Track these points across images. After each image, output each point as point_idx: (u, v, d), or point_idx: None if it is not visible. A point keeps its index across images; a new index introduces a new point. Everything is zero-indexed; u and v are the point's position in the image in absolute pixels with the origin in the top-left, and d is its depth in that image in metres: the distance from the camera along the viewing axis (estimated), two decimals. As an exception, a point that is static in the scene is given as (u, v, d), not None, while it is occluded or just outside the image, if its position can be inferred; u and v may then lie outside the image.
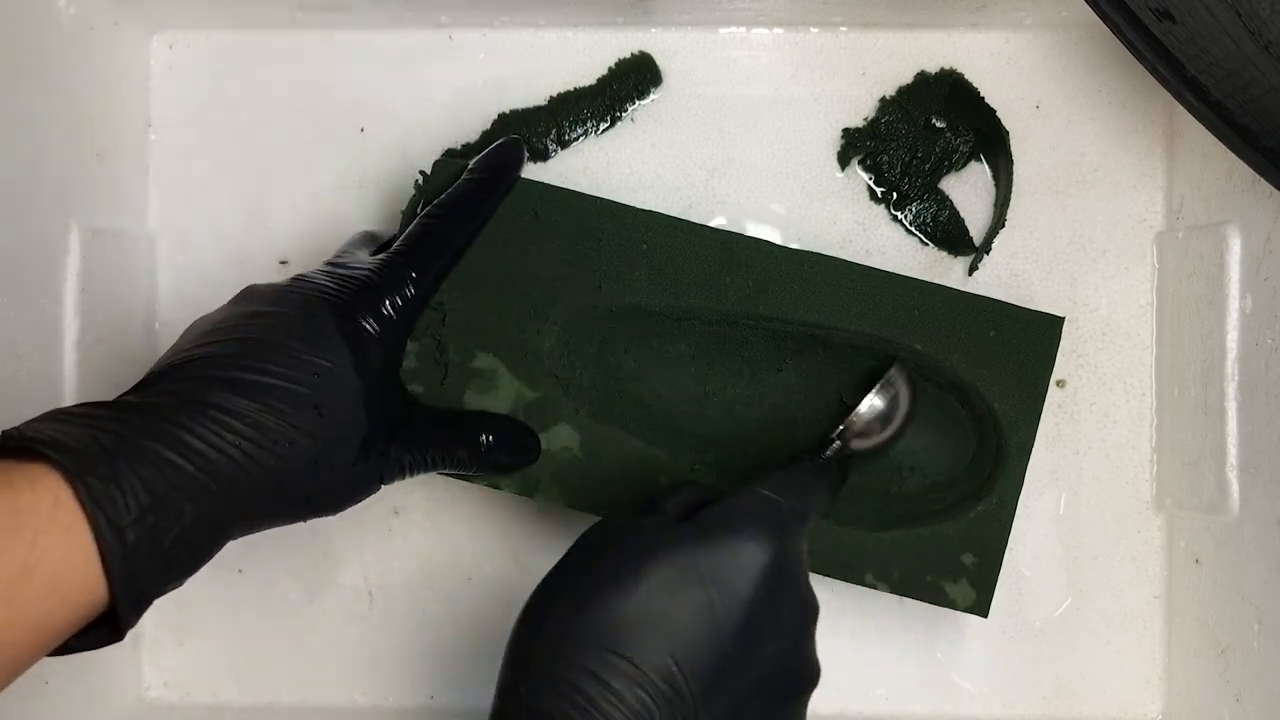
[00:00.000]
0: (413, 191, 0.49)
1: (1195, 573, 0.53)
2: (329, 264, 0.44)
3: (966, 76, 0.55)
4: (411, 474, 0.44)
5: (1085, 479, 0.55)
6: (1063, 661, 0.55)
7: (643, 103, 0.56)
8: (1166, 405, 0.54)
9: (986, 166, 0.56)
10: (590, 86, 0.56)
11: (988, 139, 0.55)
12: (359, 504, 0.42)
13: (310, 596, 0.56)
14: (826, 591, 0.54)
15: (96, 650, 0.36)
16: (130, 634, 0.36)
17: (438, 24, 0.56)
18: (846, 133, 0.55)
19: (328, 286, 0.42)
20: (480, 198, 0.47)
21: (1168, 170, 0.55)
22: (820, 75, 0.56)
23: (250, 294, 0.43)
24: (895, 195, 0.55)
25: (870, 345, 0.49)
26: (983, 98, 0.55)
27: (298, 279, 0.43)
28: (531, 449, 0.48)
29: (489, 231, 0.48)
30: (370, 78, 0.56)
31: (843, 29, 0.56)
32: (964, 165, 0.55)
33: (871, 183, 0.55)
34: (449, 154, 0.55)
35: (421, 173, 0.49)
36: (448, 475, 0.47)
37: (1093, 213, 0.55)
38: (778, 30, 0.56)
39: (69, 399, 0.50)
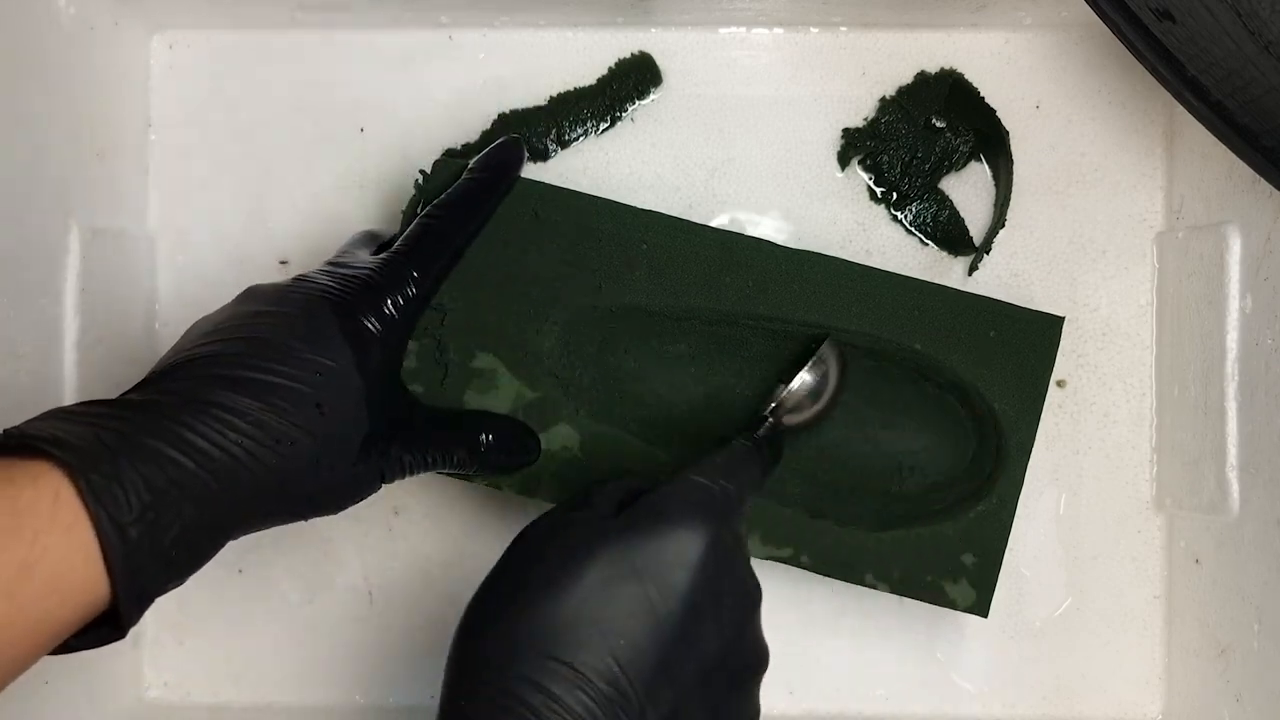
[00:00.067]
0: (413, 191, 0.49)
1: (1195, 573, 0.53)
2: (330, 264, 0.44)
3: (966, 76, 0.55)
4: (412, 473, 0.44)
5: (1085, 479, 0.55)
6: (1063, 661, 0.55)
7: (643, 103, 0.56)
8: (1166, 405, 0.54)
9: (986, 166, 0.56)
10: (590, 86, 0.56)
11: (988, 139, 0.55)
12: (359, 503, 0.42)
13: (310, 596, 0.56)
14: (826, 591, 0.54)
15: (97, 649, 0.36)
16: (130, 634, 0.36)
17: (438, 24, 0.56)
18: (846, 133, 0.55)
19: (329, 286, 0.42)
20: (480, 197, 0.47)
21: (1168, 170, 0.55)
22: (820, 75, 0.56)
23: (252, 294, 0.43)
24: (895, 195, 0.55)
25: (870, 345, 0.49)
26: (983, 98, 0.55)
27: (299, 279, 0.43)
28: (531, 449, 0.48)
29: (489, 231, 0.48)
30: (370, 78, 0.56)
31: (843, 29, 0.56)
32: (964, 165, 0.55)
33: (871, 183, 0.55)
34: (449, 154, 0.55)
35: (421, 172, 0.49)
36: (448, 475, 0.47)
37: (1093, 213, 0.55)
38: (778, 30, 0.56)
39: (69, 399, 0.50)
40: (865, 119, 0.55)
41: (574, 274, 0.48)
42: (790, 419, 0.48)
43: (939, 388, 0.50)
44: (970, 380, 0.49)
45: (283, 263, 0.56)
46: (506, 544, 0.55)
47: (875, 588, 0.49)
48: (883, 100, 0.55)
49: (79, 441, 0.34)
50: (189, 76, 0.56)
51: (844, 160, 0.55)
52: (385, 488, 0.43)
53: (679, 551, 0.36)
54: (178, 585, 0.36)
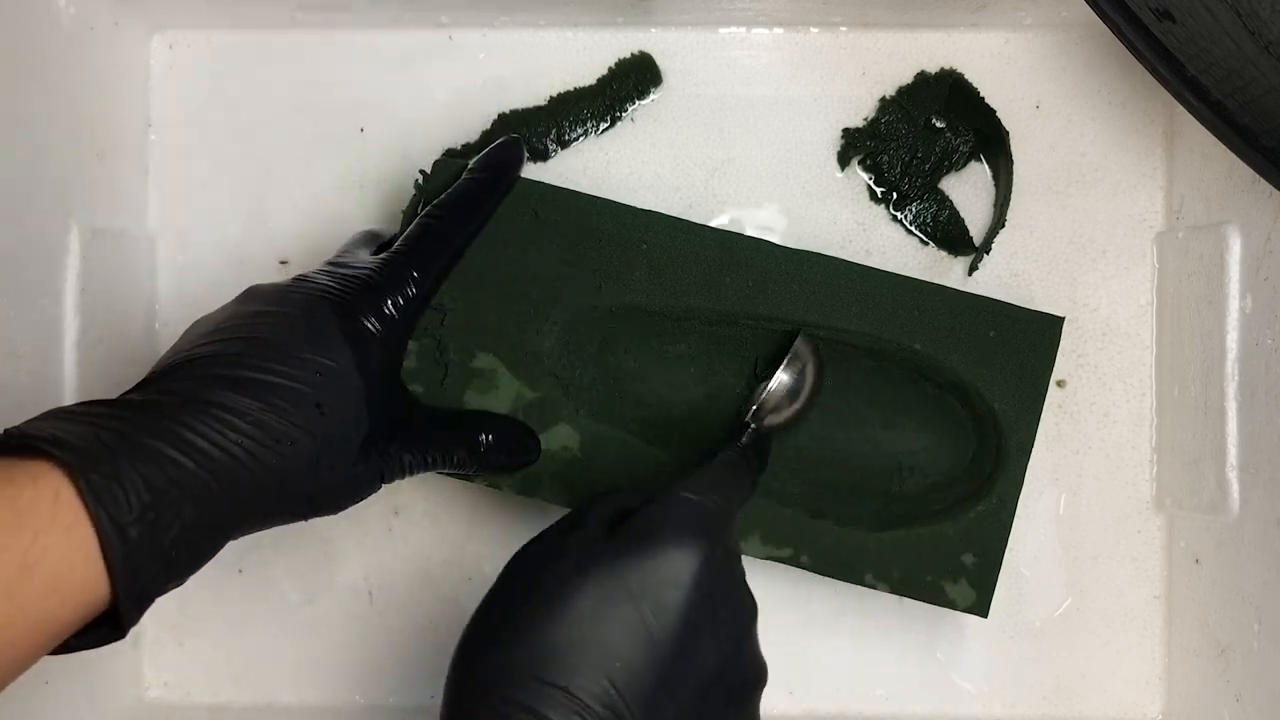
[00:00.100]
0: (413, 191, 0.49)
1: (1195, 573, 0.53)
2: (330, 264, 0.44)
3: (966, 76, 0.55)
4: (412, 473, 0.44)
5: (1085, 479, 0.55)
6: (1063, 661, 0.55)
7: (643, 103, 0.56)
8: (1166, 405, 0.54)
9: (986, 166, 0.56)
10: (590, 86, 0.56)
11: (988, 139, 0.55)
12: (359, 503, 0.42)
13: (310, 596, 0.56)
14: (827, 591, 0.54)
15: (96, 650, 0.36)
16: (130, 634, 0.36)
17: (438, 24, 0.56)
18: (846, 133, 0.55)
19: (329, 286, 0.42)
20: (480, 197, 0.47)
21: (1168, 170, 0.55)
22: (820, 75, 0.56)
23: (252, 294, 0.43)
24: (895, 195, 0.55)
25: (870, 345, 0.49)
26: (983, 98, 0.55)
27: (299, 279, 0.43)
28: (531, 449, 0.48)
29: (489, 231, 0.48)
30: (370, 78, 0.56)
31: (843, 29, 0.56)
32: (964, 165, 0.55)
33: (871, 183, 0.55)
34: (449, 154, 0.55)
35: (421, 172, 0.49)
36: (448, 475, 0.47)
37: (1093, 213, 0.55)
38: (778, 30, 0.56)
39: (69, 399, 0.50)
40: (865, 119, 0.55)
41: (574, 274, 0.48)
42: (772, 420, 0.48)
43: (939, 388, 0.50)
44: (970, 380, 0.49)
45: (283, 263, 0.56)
46: (506, 544, 0.55)
47: (875, 588, 0.49)
48: (883, 100, 0.55)
49: (79, 441, 0.34)
50: (189, 76, 0.56)
51: (844, 160, 0.55)
52: (385, 488, 0.43)
53: (671, 570, 0.36)
54: (177, 585, 0.36)
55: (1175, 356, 0.54)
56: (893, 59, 0.55)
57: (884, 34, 0.55)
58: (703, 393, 0.51)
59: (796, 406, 0.48)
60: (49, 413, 0.36)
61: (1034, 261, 0.55)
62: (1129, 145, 0.55)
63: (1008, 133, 0.55)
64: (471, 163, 0.48)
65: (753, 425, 0.47)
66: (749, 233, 0.52)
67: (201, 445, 0.36)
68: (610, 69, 0.56)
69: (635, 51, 0.56)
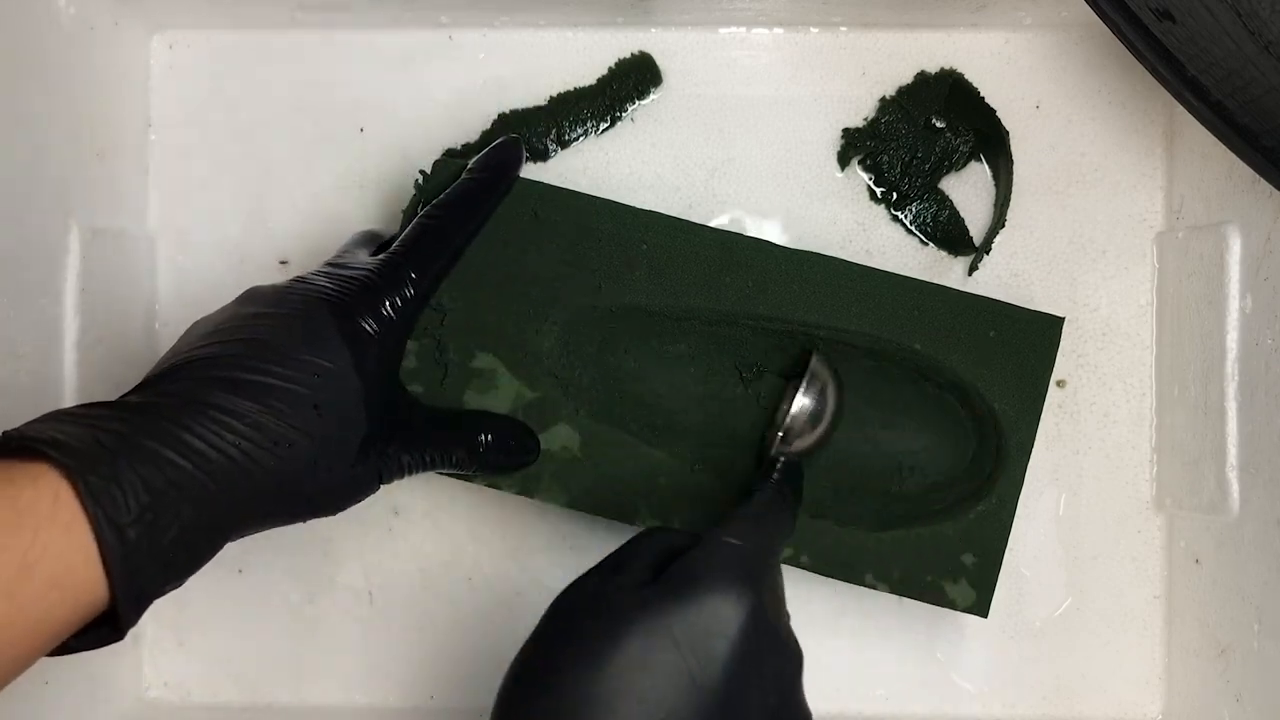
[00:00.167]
0: (413, 191, 0.49)
1: (1195, 573, 0.53)
2: (329, 264, 0.44)
3: (966, 76, 0.55)
4: (411, 474, 0.44)
5: (1085, 479, 0.55)
6: (1063, 661, 0.55)
7: (643, 103, 0.56)
8: (1166, 405, 0.54)
9: (986, 166, 0.56)
10: (590, 86, 0.56)
11: (988, 139, 0.55)
12: (359, 504, 0.42)
13: (310, 596, 0.56)
14: (827, 591, 0.54)
15: (96, 650, 0.36)
16: (130, 634, 0.36)
17: (438, 24, 0.56)
18: (846, 133, 0.55)
19: (327, 287, 0.42)
20: (480, 197, 0.47)
21: (1168, 170, 0.55)
22: (820, 75, 0.56)
23: (251, 295, 0.43)
24: (895, 195, 0.55)
25: (870, 345, 0.49)
26: (983, 98, 0.55)
27: (298, 280, 0.43)
28: (531, 449, 0.48)
29: (489, 231, 0.48)
30: (370, 78, 0.56)
31: (843, 29, 0.56)
32: (964, 165, 0.55)
33: (871, 183, 0.55)
34: (449, 154, 0.55)
35: (421, 172, 0.49)
36: (448, 475, 0.47)
37: (1093, 213, 0.55)
38: (778, 30, 0.56)
39: (69, 399, 0.50)
40: (865, 119, 0.55)
41: (574, 274, 0.48)
42: (798, 446, 0.48)
43: (939, 388, 0.50)
44: (970, 380, 0.49)
45: (283, 263, 0.56)
46: (507, 544, 0.55)
47: (875, 588, 0.49)
48: (883, 100, 0.55)
49: (78, 443, 0.34)
50: (189, 76, 0.56)
51: (844, 160, 0.55)
52: (385, 488, 0.43)
53: (717, 620, 0.36)
54: (176, 587, 0.36)
55: (1175, 356, 0.54)
56: (893, 59, 0.55)
57: (884, 34, 0.55)
58: (703, 393, 0.51)
59: (821, 429, 0.48)
60: (49, 415, 0.36)
61: (1034, 261, 0.55)
62: (1129, 145, 0.55)
63: (1008, 133, 0.55)
64: (471, 163, 0.48)
65: (781, 458, 0.46)
66: (749, 233, 0.52)
67: (200, 447, 0.36)
68: (610, 69, 0.56)
69: (635, 51, 0.56)
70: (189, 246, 0.56)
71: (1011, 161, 0.55)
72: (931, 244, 0.55)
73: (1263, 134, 0.42)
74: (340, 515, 0.42)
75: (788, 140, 0.55)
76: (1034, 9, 0.53)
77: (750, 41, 0.56)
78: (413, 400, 0.47)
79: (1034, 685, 0.55)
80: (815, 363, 0.48)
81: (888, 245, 0.55)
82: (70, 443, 0.34)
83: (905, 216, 0.55)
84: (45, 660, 0.34)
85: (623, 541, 0.55)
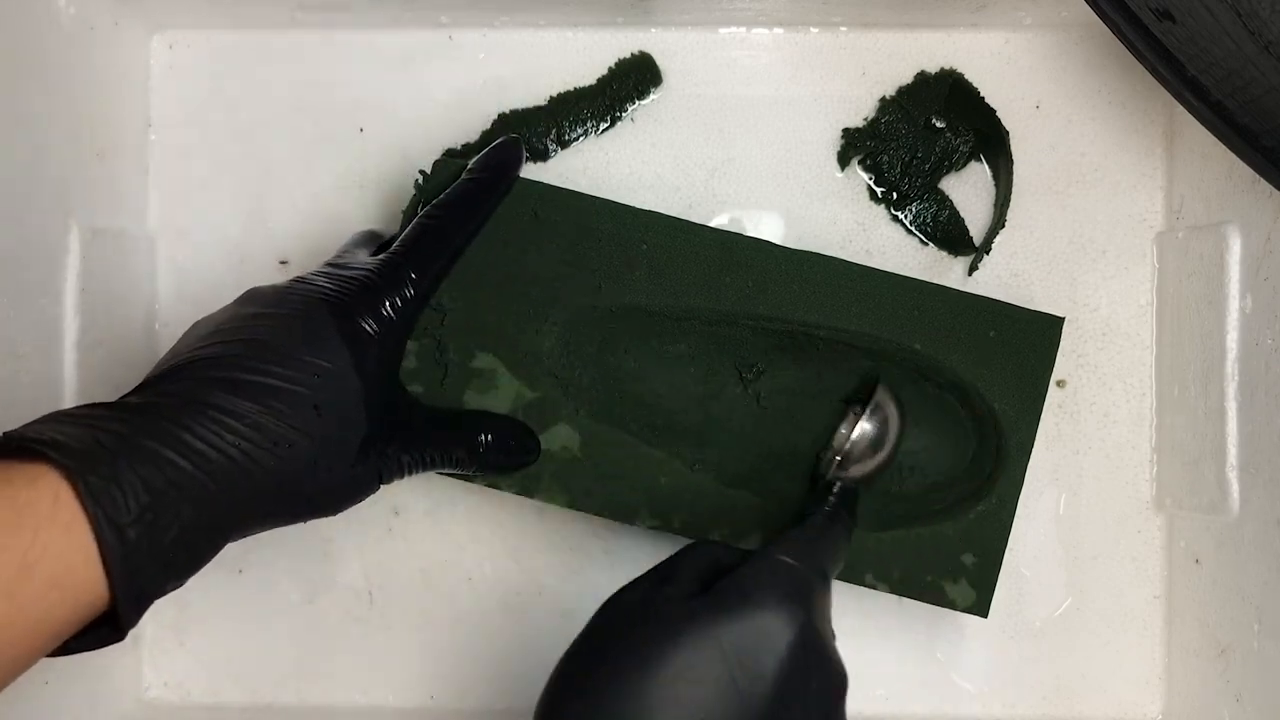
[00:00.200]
0: (413, 191, 0.49)
1: (1195, 573, 0.53)
2: (329, 264, 0.44)
3: (966, 76, 0.55)
4: (411, 474, 0.44)
5: (1085, 479, 0.55)
6: (1063, 661, 0.55)
7: (643, 103, 0.56)
8: (1166, 405, 0.54)
9: (986, 166, 0.56)
10: (590, 86, 0.56)
11: (988, 139, 0.55)
12: (359, 504, 0.42)
13: (310, 596, 0.56)
14: (826, 591, 0.54)
15: (96, 650, 0.36)
16: (130, 634, 0.36)
17: (438, 24, 0.56)
18: (846, 133, 0.55)
19: (327, 288, 0.42)
20: (479, 197, 0.47)
21: (1168, 170, 0.55)
22: (820, 75, 0.56)
23: (251, 296, 0.43)
24: (895, 195, 0.55)
25: (870, 345, 0.49)
26: (983, 98, 0.55)
27: (298, 280, 0.43)
28: (531, 449, 0.48)
29: (489, 231, 0.48)
30: (370, 78, 0.56)
31: (843, 29, 0.56)
32: (964, 165, 0.55)
33: (871, 183, 0.55)
34: (449, 154, 0.55)
35: (421, 172, 0.49)
36: (448, 475, 0.47)
37: (1093, 213, 0.55)
38: (778, 30, 0.56)
39: (69, 399, 0.50)
40: (865, 119, 0.55)
41: (574, 274, 0.48)
42: (856, 472, 0.48)
43: (939, 388, 0.50)
44: (970, 380, 0.49)
45: (283, 263, 0.56)
46: (507, 544, 0.55)
47: (875, 588, 0.49)
48: (883, 100, 0.55)
49: (77, 444, 0.34)
50: (189, 76, 0.56)
51: (844, 160, 0.55)
52: (385, 488, 0.43)
53: (768, 636, 0.36)
54: (176, 587, 0.36)
55: (1175, 356, 0.54)
56: (893, 59, 0.55)
57: (884, 34, 0.55)
58: (703, 392, 0.51)
59: (881, 457, 0.48)
60: (49, 416, 0.36)
61: (1034, 261, 0.55)
62: (1129, 145, 0.55)
63: (1008, 133, 0.55)
64: (471, 163, 0.48)
65: (839, 482, 0.46)
66: (749, 233, 0.52)
67: (200, 447, 0.36)
68: (610, 69, 0.56)
69: (635, 51, 0.56)
70: (189, 246, 0.56)
71: (1011, 161, 0.55)
72: (931, 244, 0.55)
73: (1263, 134, 0.42)
74: (340, 515, 0.42)
75: (788, 140, 0.55)
76: (1034, 9, 0.53)
77: (750, 41, 0.56)
78: (413, 400, 0.47)
79: (1034, 685, 0.55)
80: (881, 393, 0.48)
81: (888, 245, 0.55)
82: (70, 443, 0.34)
83: (905, 216, 0.55)
84: (45, 660, 0.34)
85: (622, 542, 0.56)
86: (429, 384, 0.48)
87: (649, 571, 0.40)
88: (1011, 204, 0.55)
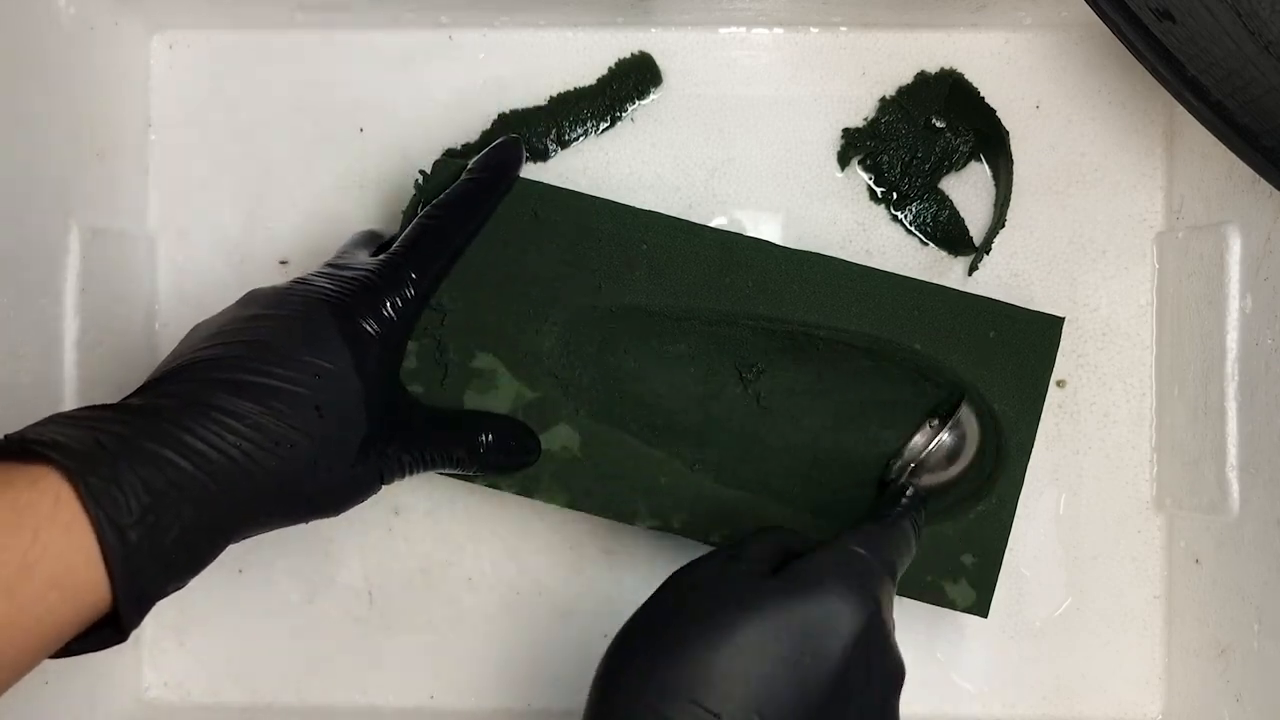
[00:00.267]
0: (413, 191, 0.49)
1: (1195, 573, 0.53)
2: (329, 265, 0.44)
3: (966, 76, 0.55)
4: (411, 474, 0.44)
5: (1085, 479, 0.55)
6: (1063, 661, 0.55)
7: (643, 103, 0.56)
8: (1166, 405, 0.54)
9: (986, 166, 0.56)
10: (590, 86, 0.56)
11: (988, 139, 0.55)
12: (359, 504, 0.42)
13: (310, 596, 0.56)
14: (826, 591, 0.54)
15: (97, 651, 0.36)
16: (131, 634, 0.36)
17: (438, 24, 0.56)
18: (846, 133, 0.55)
19: (327, 288, 0.42)
20: (479, 197, 0.47)
21: (1168, 170, 0.55)
22: (820, 75, 0.56)
23: (252, 297, 0.43)
24: (895, 195, 0.55)
25: (870, 345, 0.49)
26: (983, 98, 0.55)
27: (298, 281, 0.43)
28: (531, 449, 0.48)
29: (489, 231, 0.48)
30: (370, 78, 0.56)
31: (843, 29, 0.56)
32: (964, 165, 0.55)
33: (871, 183, 0.55)
34: (449, 154, 0.55)
35: (421, 172, 0.49)
36: (448, 475, 0.47)
37: (1093, 213, 0.55)
38: (778, 30, 0.56)
39: (69, 400, 0.50)
40: (865, 119, 0.55)
41: (574, 274, 0.48)
42: (929, 480, 0.49)
43: (939, 388, 0.50)
44: (970, 380, 0.49)
45: (283, 263, 0.56)
46: (507, 544, 0.55)
47: (875, 588, 0.49)
48: (883, 100, 0.55)
49: (78, 445, 0.34)
50: (189, 76, 0.56)
51: (844, 160, 0.55)
52: (385, 488, 0.43)
53: (837, 621, 0.36)
54: (178, 588, 0.36)
55: (1175, 356, 0.54)
56: (893, 59, 0.55)
57: (884, 34, 0.55)
58: (703, 393, 0.51)
59: (956, 470, 0.49)
60: (50, 417, 0.36)
61: (1034, 261, 0.55)
62: (1129, 145, 0.55)
63: (1008, 133, 0.55)
64: (471, 163, 0.48)
65: (914, 486, 0.47)
66: (749, 233, 0.52)
67: (200, 448, 0.36)
68: (610, 69, 0.56)
69: (635, 51, 0.56)
70: (189, 246, 0.56)
71: (1011, 161, 0.55)
72: (931, 244, 0.55)
73: (1263, 134, 0.42)
74: (341, 515, 0.42)
75: (788, 140, 0.55)
76: (1034, 9, 0.53)
77: (750, 41, 0.56)
78: (413, 400, 0.47)
79: (1034, 685, 0.55)
80: (964, 410, 0.49)
81: (888, 245, 0.55)
82: (71, 445, 0.34)
83: (905, 216, 0.55)
84: (46, 661, 0.34)
85: (622, 542, 0.56)
86: (429, 384, 0.48)
87: (715, 551, 0.40)
88: (1011, 204, 0.55)
